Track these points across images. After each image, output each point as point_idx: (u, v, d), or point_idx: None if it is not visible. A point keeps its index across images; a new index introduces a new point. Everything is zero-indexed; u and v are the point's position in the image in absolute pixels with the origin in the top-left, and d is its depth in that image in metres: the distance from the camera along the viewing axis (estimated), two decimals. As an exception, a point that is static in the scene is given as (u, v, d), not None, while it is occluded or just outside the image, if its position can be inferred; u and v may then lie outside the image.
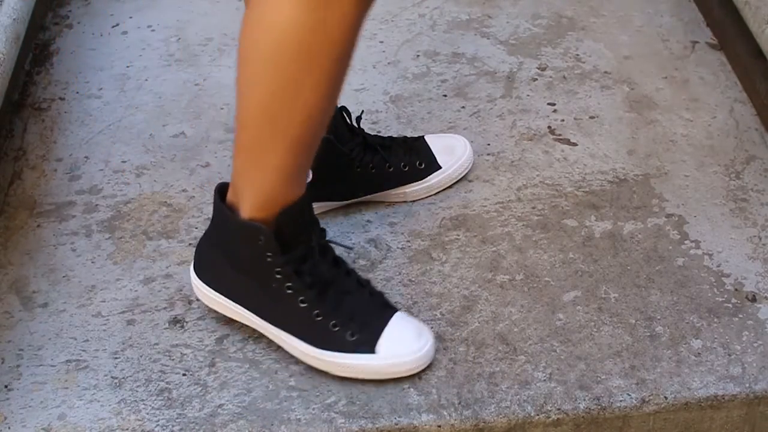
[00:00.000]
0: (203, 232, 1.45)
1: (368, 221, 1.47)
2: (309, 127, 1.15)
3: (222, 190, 1.25)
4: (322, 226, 1.27)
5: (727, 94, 1.72)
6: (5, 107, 1.62)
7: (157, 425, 1.22)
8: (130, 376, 1.28)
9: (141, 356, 1.30)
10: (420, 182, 1.49)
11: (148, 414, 1.23)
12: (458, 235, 1.45)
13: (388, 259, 1.42)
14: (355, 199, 1.47)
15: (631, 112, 1.68)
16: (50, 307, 1.36)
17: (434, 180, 1.49)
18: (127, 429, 1.22)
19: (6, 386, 1.27)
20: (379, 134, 1.50)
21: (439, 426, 1.23)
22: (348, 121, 1.42)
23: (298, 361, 1.29)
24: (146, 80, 1.75)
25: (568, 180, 1.55)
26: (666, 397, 1.26)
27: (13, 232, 1.47)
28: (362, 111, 1.47)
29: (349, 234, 1.45)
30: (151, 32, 1.87)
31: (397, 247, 1.44)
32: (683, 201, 1.51)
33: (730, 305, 1.36)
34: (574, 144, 1.61)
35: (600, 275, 1.40)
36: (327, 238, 1.27)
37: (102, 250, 1.44)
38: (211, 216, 1.42)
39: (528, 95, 1.71)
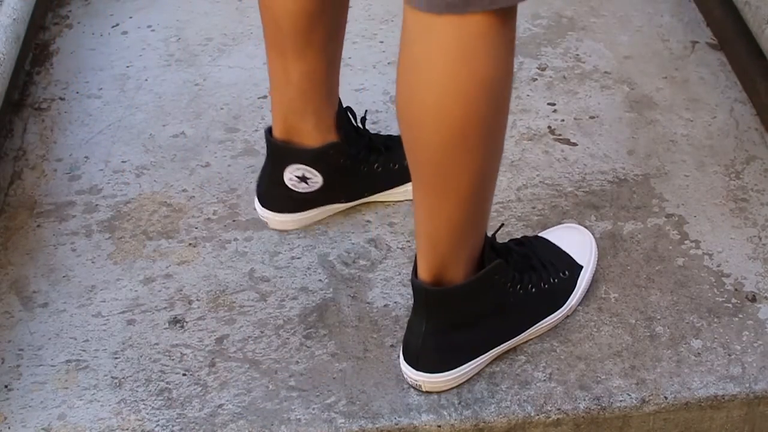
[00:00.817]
0: (204, 232, 1.45)
1: (368, 221, 1.47)
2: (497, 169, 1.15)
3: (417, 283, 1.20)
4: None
5: (727, 94, 1.72)
6: (5, 107, 1.62)
7: (157, 425, 1.22)
8: (130, 376, 1.28)
9: (141, 356, 1.30)
10: None
11: (148, 414, 1.23)
12: (458, 235, 1.45)
13: (388, 259, 1.42)
14: (362, 200, 1.47)
15: (631, 112, 1.68)
16: (50, 307, 1.36)
17: None
18: (127, 429, 1.22)
19: (6, 386, 1.27)
20: (379, 134, 1.50)
21: (439, 426, 1.23)
22: (354, 122, 1.42)
23: (298, 361, 1.29)
24: (146, 80, 1.75)
25: (568, 180, 1.55)
26: (666, 397, 1.26)
27: (13, 232, 1.47)
28: (366, 111, 1.47)
29: (349, 234, 1.45)
30: (151, 32, 1.87)
31: (397, 247, 1.44)
32: (683, 201, 1.51)
33: (730, 305, 1.36)
34: (574, 144, 1.61)
35: (600, 275, 1.40)
36: None
37: (102, 250, 1.44)
38: (210, 216, 1.43)
39: (528, 95, 1.71)
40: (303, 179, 1.38)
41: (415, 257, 1.21)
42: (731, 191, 1.53)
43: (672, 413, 1.26)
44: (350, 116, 1.41)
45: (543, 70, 1.77)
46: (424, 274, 1.19)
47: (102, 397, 1.25)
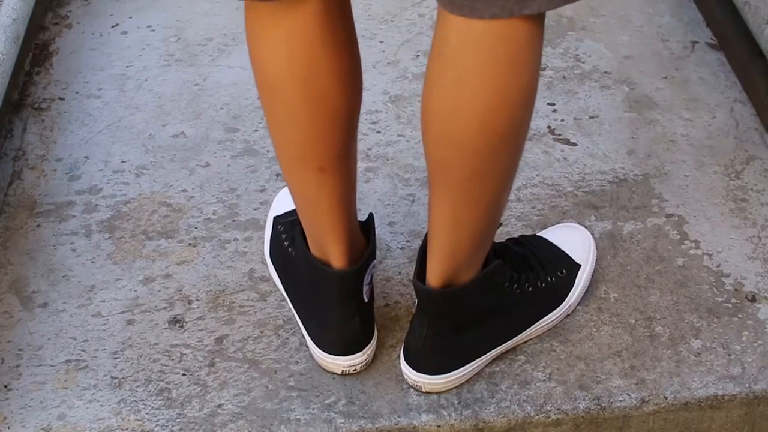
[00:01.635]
0: (203, 232, 1.45)
1: (368, 221, 1.47)
2: None
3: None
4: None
5: (727, 94, 1.72)
6: (5, 107, 1.62)
7: (157, 425, 1.22)
8: (130, 376, 1.28)
9: (141, 356, 1.30)
10: None
11: (147, 414, 1.23)
12: (458, 235, 1.45)
13: (388, 259, 1.42)
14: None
15: (631, 112, 1.68)
16: (50, 307, 1.36)
17: None
18: (126, 429, 1.22)
19: (6, 386, 1.27)
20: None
21: (439, 426, 1.23)
22: None
23: (298, 361, 1.29)
24: (146, 80, 1.75)
25: (568, 180, 1.54)
26: (666, 397, 1.26)
27: (13, 232, 1.47)
28: None
29: (349, 234, 1.45)
30: (151, 32, 1.87)
31: (397, 247, 1.44)
32: (683, 201, 1.51)
33: (729, 305, 1.36)
34: (574, 144, 1.61)
35: (600, 275, 1.40)
36: None
37: (102, 250, 1.44)
38: (210, 216, 1.42)
39: (528, 95, 1.71)
40: None
41: (418, 259, 1.20)
42: (731, 191, 1.53)
43: (672, 413, 1.26)
44: None
45: (543, 69, 1.77)
46: (434, 280, 1.18)
47: (102, 397, 1.25)
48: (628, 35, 1.85)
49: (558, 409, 1.24)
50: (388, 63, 1.78)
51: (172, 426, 1.22)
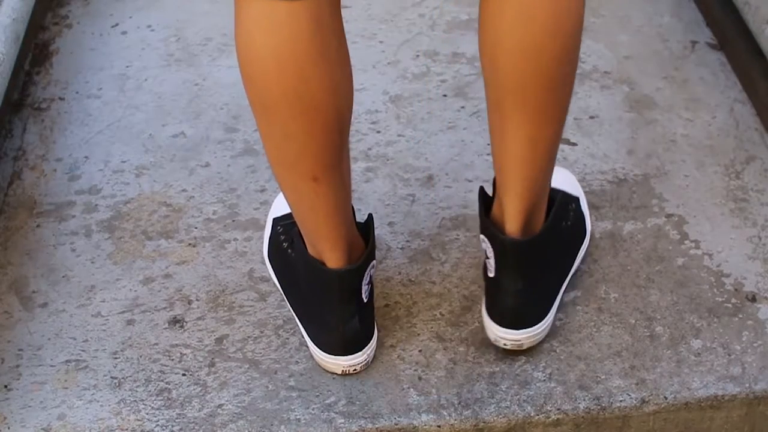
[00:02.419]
0: (203, 232, 1.45)
1: (368, 221, 1.47)
2: None
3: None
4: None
5: (727, 94, 1.72)
6: (5, 107, 1.62)
7: (157, 425, 1.22)
8: (130, 376, 1.28)
9: (141, 356, 1.30)
10: None
11: (147, 414, 1.23)
12: (458, 235, 1.45)
13: (388, 259, 1.42)
14: None
15: (631, 112, 1.68)
16: (50, 307, 1.36)
17: None
18: (126, 429, 1.22)
19: (6, 386, 1.27)
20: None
21: (439, 426, 1.23)
22: None
23: (298, 361, 1.29)
24: (146, 80, 1.75)
25: (568, 180, 1.55)
26: (666, 397, 1.26)
27: (12, 232, 1.47)
28: None
29: (349, 234, 1.45)
30: (151, 32, 1.87)
31: (397, 247, 1.44)
32: (683, 201, 1.51)
33: (730, 305, 1.36)
34: (574, 144, 1.61)
35: (600, 275, 1.40)
36: None
37: (102, 250, 1.44)
38: (210, 216, 1.42)
39: (528, 95, 1.71)
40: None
41: (483, 216, 1.24)
42: (731, 191, 1.53)
43: (672, 413, 1.26)
44: None
45: (543, 70, 1.76)
46: (515, 228, 1.21)
47: (102, 397, 1.25)
48: (628, 35, 1.85)
49: (558, 409, 1.24)
50: (388, 63, 1.78)
51: (172, 426, 1.22)
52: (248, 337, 1.32)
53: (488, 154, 1.59)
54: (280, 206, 1.42)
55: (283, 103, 1.08)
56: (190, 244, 1.45)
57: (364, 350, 1.25)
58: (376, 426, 1.22)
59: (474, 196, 1.51)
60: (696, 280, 1.40)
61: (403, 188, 1.53)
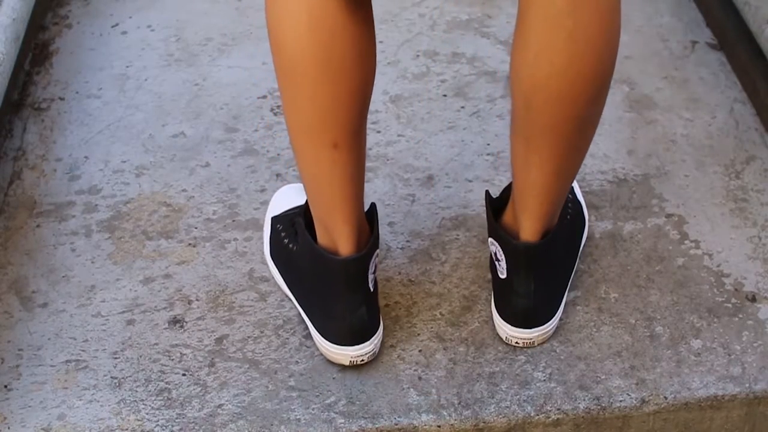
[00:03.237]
0: (203, 232, 1.45)
1: (368, 221, 1.47)
2: None
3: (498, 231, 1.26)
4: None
5: (727, 94, 1.72)
6: (5, 107, 1.62)
7: (157, 425, 1.22)
8: (130, 376, 1.28)
9: (141, 356, 1.30)
10: None
11: (147, 414, 1.23)
12: (458, 235, 1.45)
13: (388, 259, 1.42)
14: None
15: (631, 112, 1.68)
16: (50, 307, 1.36)
17: None
18: (126, 429, 1.22)
19: (6, 386, 1.27)
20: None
21: (439, 426, 1.23)
22: None
23: (298, 361, 1.29)
24: (146, 80, 1.75)
25: (568, 180, 1.54)
26: (666, 397, 1.26)
27: (13, 232, 1.47)
28: None
29: (349, 234, 1.45)
30: (151, 32, 1.87)
31: (397, 247, 1.44)
32: (683, 201, 1.51)
33: (730, 305, 1.36)
34: (574, 144, 1.61)
35: (600, 275, 1.40)
36: None
37: (102, 250, 1.44)
38: (210, 216, 1.42)
39: (528, 95, 1.71)
40: None
41: (491, 218, 1.27)
42: (731, 191, 1.53)
43: (672, 413, 1.26)
44: None
45: (543, 70, 1.77)
46: (533, 237, 1.23)
47: (102, 397, 1.25)
48: (628, 35, 1.85)
49: (558, 409, 1.24)
50: (388, 63, 1.78)
51: (172, 426, 1.22)
52: (248, 337, 1.32)
53: (488, 154, 1.59)
54: (277, 205, 1.42)
55: (312, 66, 1.11)
56: (190, 244, 1.45)
57: (371, 340, 1.26)
58: (376, 426, 1.22)
59: (474, 196, 1.51)
60: (696, 280, 1.40)
61: (403, 188, 1.53)
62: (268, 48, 1.15)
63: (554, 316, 1.29)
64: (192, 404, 1.24)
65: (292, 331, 1.33)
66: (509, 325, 1.28)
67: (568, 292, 1.35)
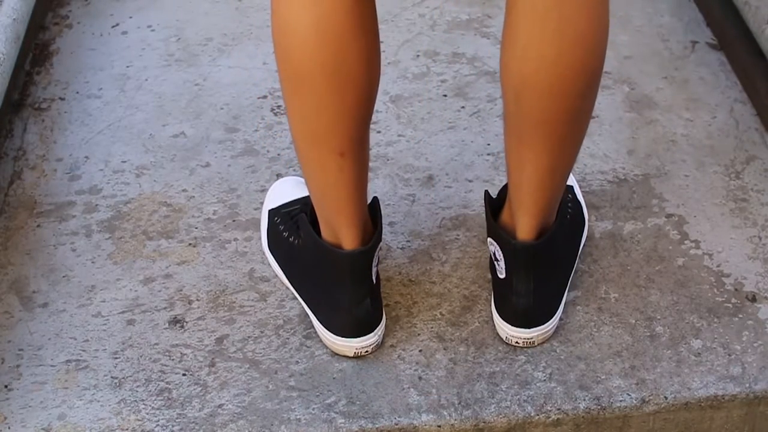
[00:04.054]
0: (204, 232, 1.45)
1: (368, 221, 1.47)
2: None
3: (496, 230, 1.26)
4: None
5: (727, 94, 1.72)
6: (5, 107, 1.62)
7: (157, 425, 1.22)
8: (130, 376, 1.28)
9: (141, 356, 1.30)
10: None
11: (148, 414, 1.23)
12: (458, 235, 1.45)
13: (388, 259, 1.42)
14: None
15: (631, 112, 1.68)
16: (50, 307, 1.36)
17: None
18: (127, 429, 1.22)
19: (6, 386, 1.27)
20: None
21: (439, 426, 1.23)
22: None
23: (298, 361, 1.29)
24: (146, 80, 1.75)
25: (568, 180, 1.55)
26: (666, 397, 1.26)
27: (13, 232, 1.47)
28: None
29: (349, 234, 1.45)
30: (151, 32, 1.87)
31: (397, 247, 1.44)
32: (683, 201, 1.51)
33: (730, 305, 1.36)
34: (574, 144, 1.61)
35: (600, 275, 1.40)
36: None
37: (102, 250, 1.44)
38: (210, 216, 1.42)
39: (528, 95, 1.71)
40: None
41: (490, 219, 1.27)
42: (731, 191, 1.53)
43: (672, 413, 1.26)
44: None
45: (543, 70, 1.77)
46: (530, 235, 1.23)
47: (102, 397, 1.25)
48: (628, 35, 1.85)
49: (558, 409, 1.24)
50: (388, 63, 1.78)
51: (173, 426, 1.22)
52: (248, 337, 1.32)
53: (488, 154, 1.59)
54: (274, 198, 1.43)
55: (320, 75, 1.11)
56: (190, 244, 1.45)
57: (375, 331, 1.27)
58: (376, 426, 1.22)
59: (474, 196, 1.51)
60: (696, 280, 1.40)
61: (404, 188, 1.53)
62: (269, 48, 1.16)
63: (554, 315, 1.29)
64: (192, 404, 1.25)
65: (292, 331, 1.33)
66: (509, 325, 1.28)
67: (568, 292, 1.35)
